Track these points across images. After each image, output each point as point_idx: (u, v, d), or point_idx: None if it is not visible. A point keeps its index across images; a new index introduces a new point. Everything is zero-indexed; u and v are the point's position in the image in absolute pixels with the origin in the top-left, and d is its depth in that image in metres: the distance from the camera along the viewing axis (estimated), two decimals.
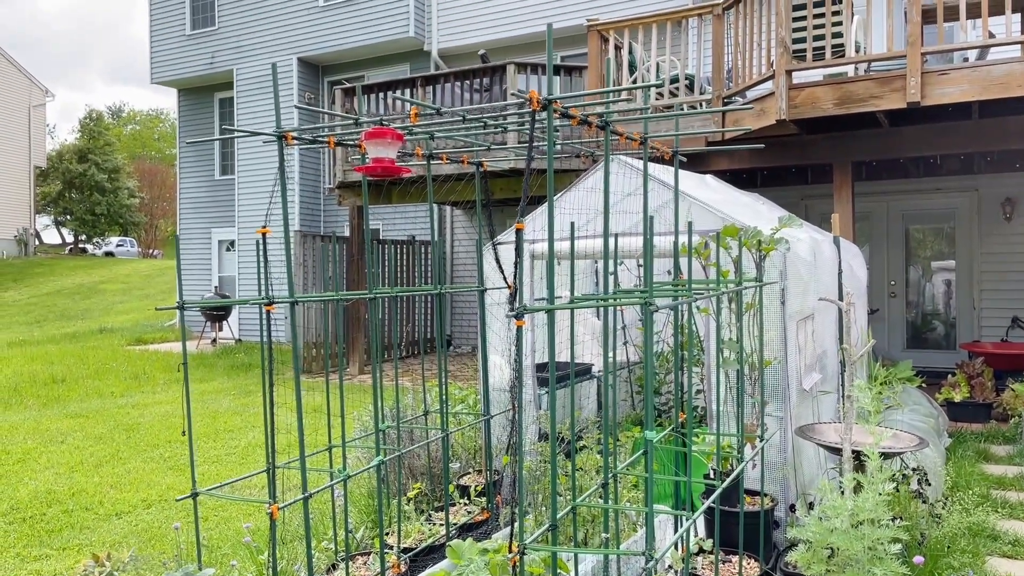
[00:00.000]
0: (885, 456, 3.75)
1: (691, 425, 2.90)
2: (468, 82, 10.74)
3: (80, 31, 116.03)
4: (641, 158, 6.01)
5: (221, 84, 17.88)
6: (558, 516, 2.50)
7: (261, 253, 2.83)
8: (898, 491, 4.11)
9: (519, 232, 2.27)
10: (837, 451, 3.90)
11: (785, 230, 3.71)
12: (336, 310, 12.90)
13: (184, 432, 2.84)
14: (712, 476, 3.97)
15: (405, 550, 3.65)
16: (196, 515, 2.94)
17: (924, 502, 4.04)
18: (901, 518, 3.95)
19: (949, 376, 8.19)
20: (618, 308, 5.98)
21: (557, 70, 10.64)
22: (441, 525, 4.10)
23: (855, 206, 8.78)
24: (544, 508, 3.62)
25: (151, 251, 43.54)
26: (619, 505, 2.60)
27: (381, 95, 11.56)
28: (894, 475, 3.94)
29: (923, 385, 7.73)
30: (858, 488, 3.52)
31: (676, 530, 3.46)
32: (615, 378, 5.41)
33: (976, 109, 7.45)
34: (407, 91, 11.11)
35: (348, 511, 3.10)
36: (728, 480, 2.96)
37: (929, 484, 4.14)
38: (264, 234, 2.76)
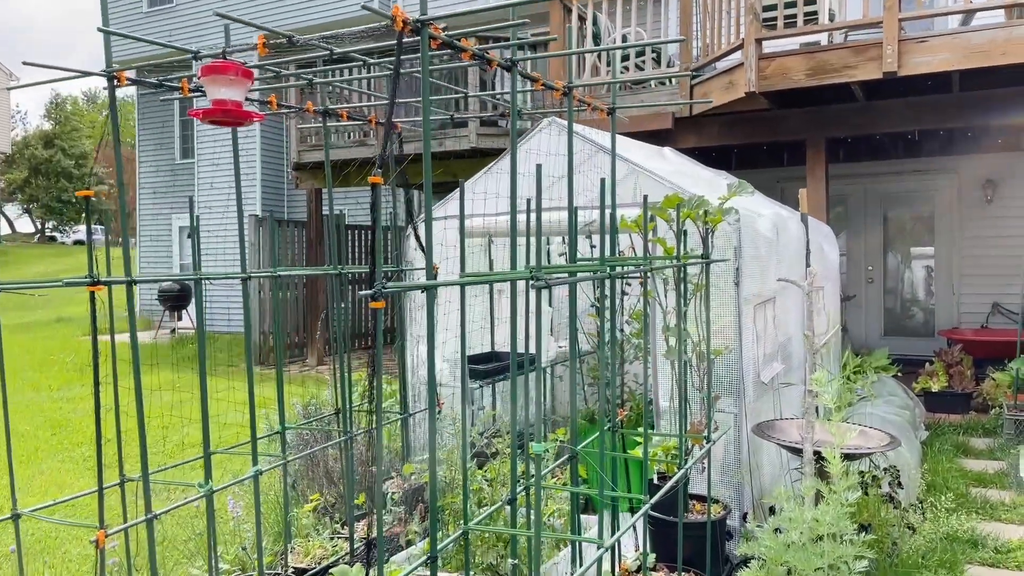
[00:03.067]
0: (851, 457, 3.30)
1: (601, 425, 2.43)
2: None
3: (66, 20, 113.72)
4: (599, 127, 5.52)
5: (181, 64, 17.16)
6: (440, 545, 2.02)
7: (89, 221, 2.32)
8: (867, 495, 3.67)
9: (375, 187, 1.77)
10: (798, 451, 3.44)
11: (737, 200, 3.24)
12: (284, 297, 12.43)
13: None
14: (657, 482, 3.51)
15: (300, 571, 3.16)
16: (18, 540, 2.44)
17: (896, 507, 3.60)
18: (869, 526, 3.50)
19: (927, 365, 7.79)
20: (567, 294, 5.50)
21: (522, 45, 10.13)
22: (360, 537, 3.61)
23: (831, 189, 8.36)
24: (459, 522, 3.14)
25: (121, 239, 42.45)
26: (518, 529, 2.12)
27: (338, 72, 10.98)
28: (862, 479, 3.49)
29: (899, 374, 7.33)
30: (820, 496, 3.07)
31: (614, 544, 3.01)
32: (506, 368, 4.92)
33: (957, 81, 7.01)
34: (361, 68, 10.54)
35: (213, 531, 2.61)
36: (661, 492, 2.49)
37: (901, 487, 3.71)
38: (87, 196, 2.25)
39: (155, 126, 18.08)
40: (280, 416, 3.01)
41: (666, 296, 3.33)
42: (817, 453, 3.26)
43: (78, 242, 39.21)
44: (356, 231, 13.38)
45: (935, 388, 7.32)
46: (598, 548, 2.00)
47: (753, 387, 3.59)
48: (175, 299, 15.59)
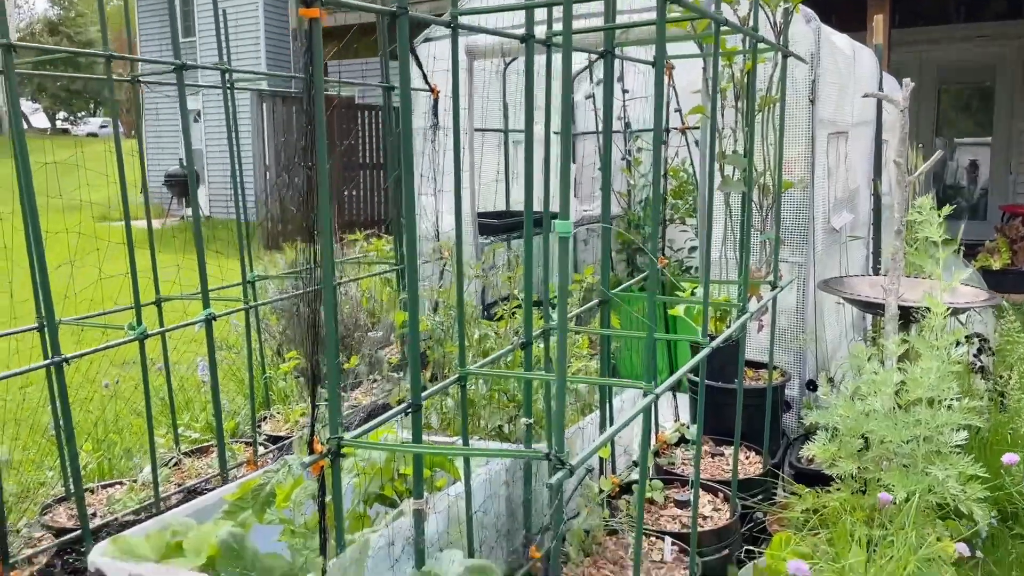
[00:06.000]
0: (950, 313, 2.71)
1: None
2: None
3: None
4: None
5: None
6: (424, 393, 1.47)
7: None
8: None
9: None
10: (874, 308, 2.86)
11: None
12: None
13: None
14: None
15: (274, 439, 2.69)
16: None
17: (986, 378, 3.04)
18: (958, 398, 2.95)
19: (987, 242, 7.10)
20: (591, 149, 4.82)
21: None
22: (350, 406, 3.14)
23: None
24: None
25: (133, 131, 41.72)
26: (536, 373, 1.57)
27: None
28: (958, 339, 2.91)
29: (961, 249, 6.67)
30: (907, 356, 2.50)
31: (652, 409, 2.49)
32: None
33: None
34: None
35: (150, 389, 2.13)
36: (721, 338, 1.91)
37: (993, 353, 3.13)
38: None
39: (156, 5, 17.08)
40: (241, 266, 2.48)
41: (723, 115, 2.67)
42: (904, 308, 2.67)
43: (91, 134, 38.46)
44: (366, 111, 12.61)
45: (996, 266, 6.66)
46: (644, 395, 1.44)
47: (823, 234, 2.97)
48: (183, 184, 15.09)
